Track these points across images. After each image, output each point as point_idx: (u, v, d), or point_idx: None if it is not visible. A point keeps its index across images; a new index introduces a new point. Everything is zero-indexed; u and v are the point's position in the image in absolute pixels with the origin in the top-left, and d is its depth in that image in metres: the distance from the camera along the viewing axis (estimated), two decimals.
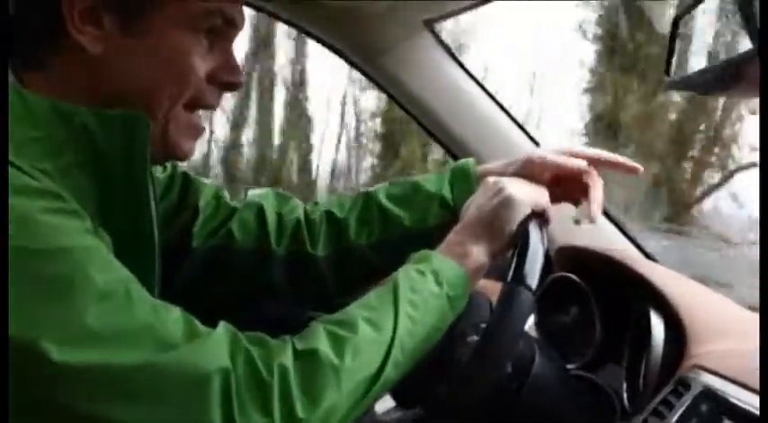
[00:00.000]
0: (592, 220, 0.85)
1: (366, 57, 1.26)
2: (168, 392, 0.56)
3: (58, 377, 0.54)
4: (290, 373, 0.60)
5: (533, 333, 1.12)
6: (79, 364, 0.54)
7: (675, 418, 0.68)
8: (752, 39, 0.50)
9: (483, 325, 0.74)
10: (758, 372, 0.67)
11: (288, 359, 0.61)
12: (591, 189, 0.86)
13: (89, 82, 0.68)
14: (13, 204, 0.56)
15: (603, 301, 1.01)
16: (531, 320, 1.12)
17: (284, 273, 0.95)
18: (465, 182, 0.92)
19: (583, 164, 0.86)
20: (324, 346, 0.63)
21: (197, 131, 0.75)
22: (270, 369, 0.60)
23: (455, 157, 1.29)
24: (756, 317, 0.97)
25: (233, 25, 0.73)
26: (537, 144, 1.26)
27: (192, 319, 0.61)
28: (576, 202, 0.89)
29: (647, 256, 1.21)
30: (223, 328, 0.62)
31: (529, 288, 0.71)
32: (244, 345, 0.61)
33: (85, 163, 0.66)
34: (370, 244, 0.93)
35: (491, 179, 0.82)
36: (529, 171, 0.86)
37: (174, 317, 0.60)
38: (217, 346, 0.60)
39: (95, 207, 0.65)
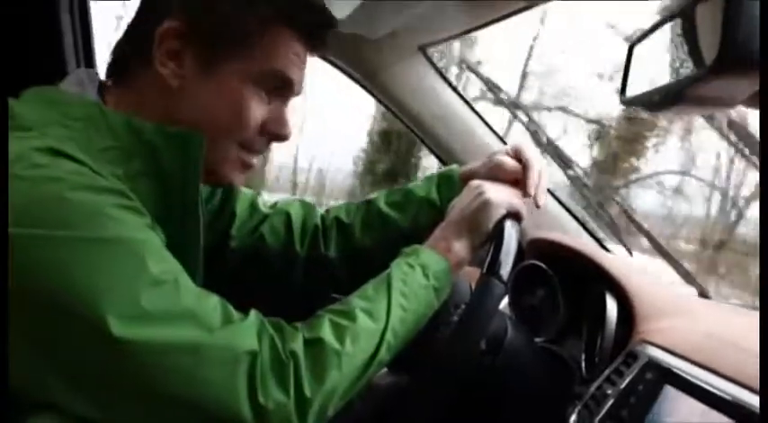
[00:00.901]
0: (537, 206, 0.85)
1: (366, 74, 1.26)
2: (204, 369, 0.57)
3: (114, 349, 0.54)
4: (300, 358, 0.61)
5: (507, 311, 1.13)
6: (132, 339, 0.55)
7: (624, 384, 0.69)
8: (695, 65, 0.51)
9: (463, 306, 0.74)
10: (700, 346, 0.68)
11: (299, 346, 0.62)
12: (528, 180, 0.84)
13: (163, 108, 0.69)
14: (85, 199, 0.57)
15: (566, 284, 1.02)
16: (505, 301, 1.13)
17: (304, 271, 0.97)
18: (450, 185, 0.93)
19: (516, 167, 0.85)
20: (328, 335, 0.64)
21: (246, 167, 0.75)
22: (286, 353, 0.61)
23: (441, 160, 1.30)
24: (696, 298, 0.98)
25: (290, 87, 0.73)
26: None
27: (227, 305, 0.63)
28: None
29: (604, 247, 1.22)
30: (254, 315, 0.64)
31: (501, 279, 0.72)
32: (269, 331, 0.62)
33: (149, 171, 0.67)
34: (373, 244, 0.94)
35: (474, 183, 0.83)
36: (492, 174, 0.86)
37: (213, 304, 0.61)
38: (248, 330, 0.61)
39: (154, 210, 0.65)
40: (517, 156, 0.86)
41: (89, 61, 1.31)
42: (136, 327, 0.55)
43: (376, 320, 0.68)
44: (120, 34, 0.73)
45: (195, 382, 0.57)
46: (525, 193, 0.84)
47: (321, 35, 0.74)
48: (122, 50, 0.72)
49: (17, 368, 0.55)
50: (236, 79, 0.68)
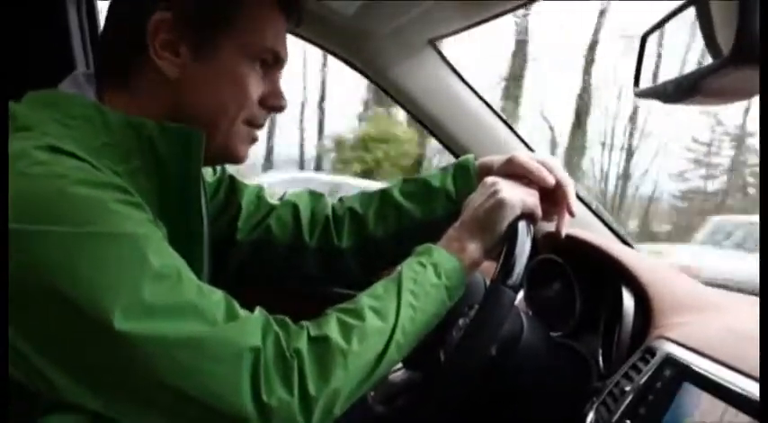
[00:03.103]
0: (558, 235, 0.84)
1: (377, 70, 1.25)
2: (207, 364, 0.57)
3: (116, 343, 0.55)
4: (305, 356, 0.61)
5: (523, 306, 1.12)
6: (135, 332, 0.55)
7: (643, 380, 0.68)
8: (711, 56, 0.49)
9: (477, 306, 0.74)
10: (719, 342, 0.67)
11: (303, 344, 0.62)
12: (560, 206, 0.85)
13: (163, 100, 0.70)
14: (86, 195, 0.57)
15: (583, 279, 1.01)
16: (520, 295, 1.12)
17: (315, 262, 0.97)
18: (465, 176, 0.92)
19: (550, 179, 0.84)
20: (334, 333, 0.64)
21: (251, 140, 0.77)
22: (290, 351, 0.61)
23: (454, 154, 1.29)
24: (716, 291, 0.96)
25: (280, 60, 0.75)
26: (526, 144, 1.25)
27: (232, 301, 0.62)
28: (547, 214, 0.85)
29: (623, 241, 1.20)
30: (258, 312, 0.63)
31: (511, 287, 0.70)
32: (273, 327, 0.62)
33: (149, 168, 0.67)
34: (386, 235, 0.94)
35: (489, 180, 0.81)
36: (511, 170, 0.85)
37: (216, 299, 0.61)
38: (252, 327, 0.61)
39: (154, 206, 0.66)
40: (548, 169, 0.85)
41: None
42: (138, 320, 0.55)
43: (385, 319, 0.67)
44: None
45: (198, 376, 0.57)
46: (570, 213, 0.84)
47: (298, 7, 0.76)
48: (113, 48, 0.72)
49: (21, 365, 0.56)
50: (232, 59, 0.70)
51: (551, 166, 0.85)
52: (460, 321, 0.81)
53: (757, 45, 0.42)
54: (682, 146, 11.19)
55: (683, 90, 0.52)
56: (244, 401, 0.57)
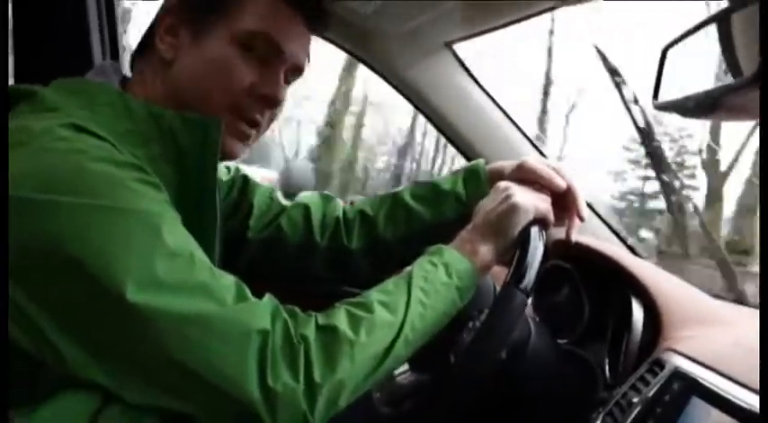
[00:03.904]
0: (567, 243, 0.84)
1: (392, 70, 1.26)
2: (215, 342, 0.57)
3: (127, 315, 0.55)
4: (312, 343, 0.61)
5: (531, 312, 1.12)
6: (147, 305, 0.55)
7: (652, 393, 0.68)
8: (732, 74, 0.49)
9: (486, 310, 0.74)
10: (727, 356, 0.67)
11: (310, 331, 0.62)
12: (570, 212, 0.85)
13: (163, 85, 0.72)
14: (106, 170, 0.58)
15: (591, 287, 1.01)
16: (528, 302, 1.12)
17: (325, 262, 0.97)
18: (476, 181, 0.93)
19: (561, 184, 0.84)
20: (342, 324, 0.64)
21: (243, 137, 0.75)
22: (298, 337, 0.61)
23: (466, 157, 1.29)
24: (726, 305, 0.96)
25: (280, 53, 0.73)
26: (539, 150, 1.25)
27: (243, 286, 0.63)
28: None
29: (632, 251, 1.20)
30: (268, 297, 0.64)
31: (524, 290, 0.71)
32: (282, 314, 0.62)
33: (168, 156, 0.68)
34: (395, 237, 0.94)
35: (501, 185, 0.81)
36: (522, 175, 0.85)
37: (228, 282, 0.62)
38: (261, 310, 0.61)
39: (172, 194, 0.67)
40: (559, 175, 0.85)
41: (115, 56, 1.33)
42: (150, 294, 0.56)
43: (393, 313, 0.67)
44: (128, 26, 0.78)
45: (205, 355, 0.57)
46: (580, 218, 0.84)
47: (311, 1, 0.75)
48: (139, 45, 0.76)
49: (32, 336, 0.56)
50: (222, 42, 0.70)
51: (562, 172, 0.86)
52: (471, 324, 0.81)
53: None
54: (619, 145, 10.98)
55: (704, 106, 0.52)
56: (250, 384, 0.58)
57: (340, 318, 0.65)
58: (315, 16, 0.76)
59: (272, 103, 0.75)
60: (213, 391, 0.57)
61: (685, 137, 9.97)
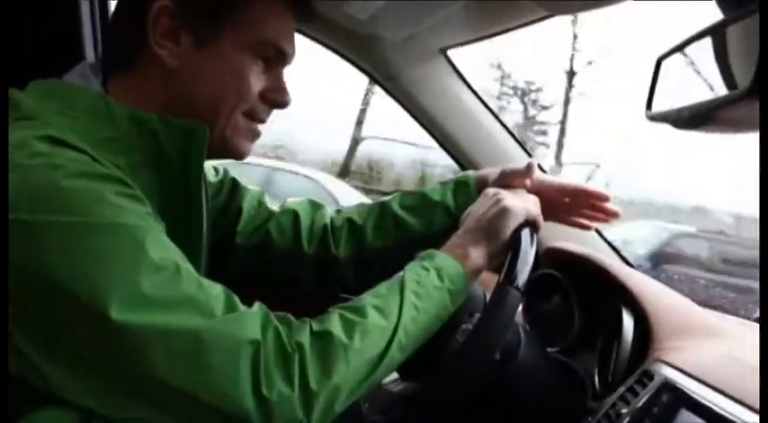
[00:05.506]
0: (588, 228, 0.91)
1: (387, 76, 1.25)
2: (205, 356, 0.56)
3: (113, 334, 0.54)
4: (307, 349, 0.60)
5: (521, 320, 1.11)
6: (132, 323, 0.54)
7: (640, 404, 0.68)
8: (727, 86, 0.49)
9: (477, 314, 0.74)
10: (717, 368, 0.67)
11: (305, 338, 0.61)
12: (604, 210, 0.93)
13: (164, 90, 0.70)
14: (84, 186, 0.57)
15: (582, 297, 1.01)
16: (518, 309, 1.12)
17: (312, 269, 0.97)
18: (466, 191, 0.93)
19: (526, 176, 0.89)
20: (336, 329, 0.63)
21: (253, 135, 0.76)
22: (292, 345, 0.60)
23: (459, 164, 1.29)
24: (716, 317, 0.96)
25: (284, 55, 0.74)
26: (530, 155, 1.26)
27: (232, 295, 0.62)
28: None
29: (624, 260, 1.20)
30: (258, 306, 0.63)
31: (517, 289, 0.71)
32: (274, 322, 0.61)
33: (150, 163, 0.67)
34: (383, 246, 0.94)
35: (490, 191, 0.82)
36: (507, 182, 0.88)
37: (216, 292, 0.60)
38: (251, 320, 0.60)
39: (156, 201, 0.66)
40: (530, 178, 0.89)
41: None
42: (136, 312, 0.54)
43: (387, 317, 0.67)
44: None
45: (195, 370, 0.56)
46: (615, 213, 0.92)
47: (305, 2, 0.76)
48: (118, 37, 0.73)
49: (16, 358, 0.55)
50: (232, 50, 0.70)
51: (534, 175, 0.89)
52: (464, 326, 0.81)
53: None
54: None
55: (698, 118, 0.52)
56: (243, 396, 0.56)
57: (334, 322, 0.64)
58: (307, 13, 0.77)
59: (283, 106, 0.77)
60: (206, 407, 0.56)
61: None
